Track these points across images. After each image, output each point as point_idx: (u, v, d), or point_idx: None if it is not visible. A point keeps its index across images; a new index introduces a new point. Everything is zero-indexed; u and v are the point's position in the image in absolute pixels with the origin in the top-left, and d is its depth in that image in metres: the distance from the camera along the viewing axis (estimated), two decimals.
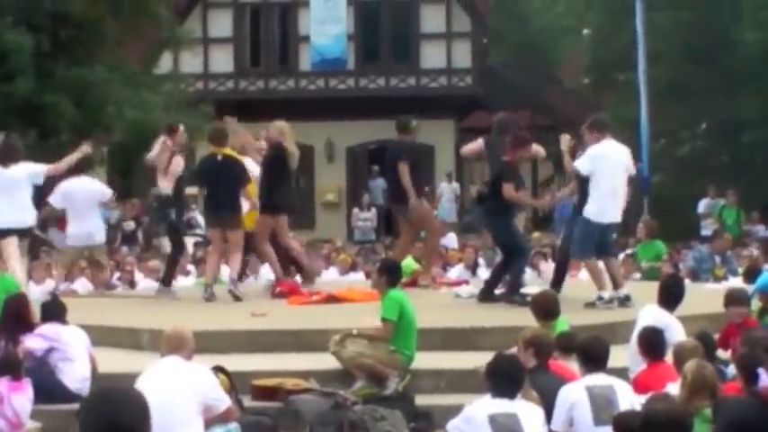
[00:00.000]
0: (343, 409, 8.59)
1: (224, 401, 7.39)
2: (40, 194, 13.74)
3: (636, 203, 15.44)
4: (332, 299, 12.31)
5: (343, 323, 9.98)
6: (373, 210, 28.33)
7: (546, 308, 9.12)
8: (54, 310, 9.51)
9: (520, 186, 12.39)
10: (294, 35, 31.45)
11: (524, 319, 9.35)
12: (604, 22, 38.83)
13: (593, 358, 7.39)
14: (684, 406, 6.53)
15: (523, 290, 11.85)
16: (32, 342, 9.19)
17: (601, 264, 11.80)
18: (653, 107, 28.47)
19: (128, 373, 8.07)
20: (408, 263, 14.41)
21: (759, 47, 31.52)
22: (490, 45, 36.51)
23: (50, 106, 21.49)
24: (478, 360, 7.78)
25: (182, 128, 13.78)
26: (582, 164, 11.61)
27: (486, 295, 12.14)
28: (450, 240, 21.89)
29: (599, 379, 7.25)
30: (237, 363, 9.21)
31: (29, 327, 9.34)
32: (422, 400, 9.02)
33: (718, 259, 16.33)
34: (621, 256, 16.18)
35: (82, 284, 15.07)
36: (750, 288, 10.86)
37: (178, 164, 13.37)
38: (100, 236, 14.24)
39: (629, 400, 7.13)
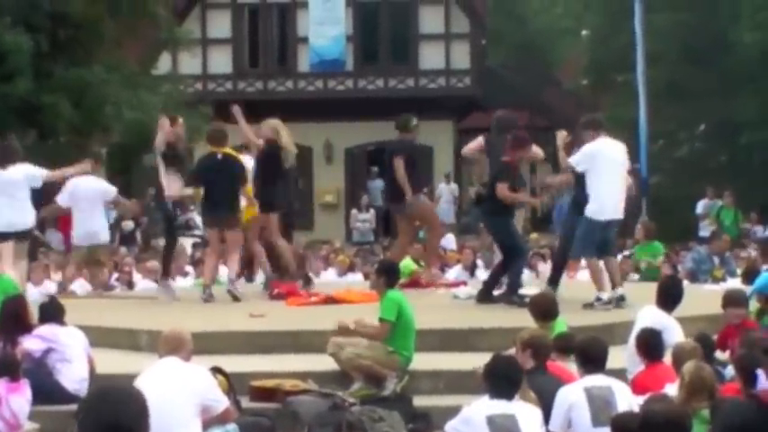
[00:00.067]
0: (342, 410, 8.58)
1: (222, 402, 7.39)
2: (39, 196, 13.73)
3: (634, 205, 15.40)
4: (330, 300, 12.31)
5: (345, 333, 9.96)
6: (372, 211, 28.34)
7: (544, 309, 9.13)
8: (52, 312, 9.50)
9: (520, 186, 12.39)
10: (293, 36, 31.46)
11: (523, 320, 9.35)
12: (603, 23, 38.86)
13: (592, 359, 7.39)
14: (683, 407, 6.53)
15: (522, 291, 11.86)
16: (30, 343, 9.19)
17: (601, 263, 11.81)
18: (651, 108, 28.49)
19: (126, 374, 8.05)
20: (407, 263, 14.42)
21: (757, 48, 31.56)
22: (489, 46, 36.54)
23: (49, 107, 21.47)
24: (477, 361, 7.77)
25: (181, 120, 13.79)
26: (576, 159, 11.64)
27: (485, 296, 12.14)
28: (449, 241, 21.89)
29: (597, 380, 7.25)
30: (236, 364, 9.21)
31: (27, 328, 9.33)
32: (420, 401, 9.01)
33: (716, 260, 16.34)
34: (619, 257, 16.17)
35: (80, 285, 15.06)
36: (748, 289, 10.88)
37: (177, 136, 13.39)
38: (104, 235, 14.33)
39: (628, 401, 7.13)
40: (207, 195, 13.07)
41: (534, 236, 21.51)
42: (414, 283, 13.68)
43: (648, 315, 9.10)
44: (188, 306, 12.54)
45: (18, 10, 21.56)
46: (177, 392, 7.02)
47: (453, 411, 7.10)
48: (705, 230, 22.85)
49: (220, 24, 31.45)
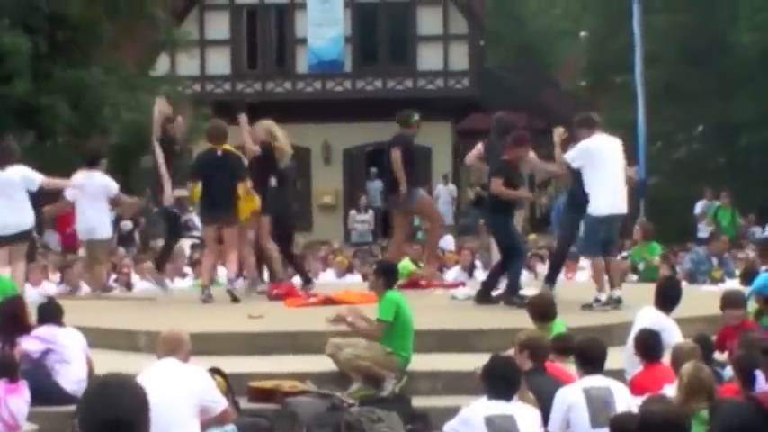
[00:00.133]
0: (340, 411, 8.58)
1: (221, 403, 7.38)
2: (38, 198, 13.70)
3: (632, 206, 15.40)
4: (329, 301, 12.29)
5: (341, 324, 9.96)
6: (370, 212, 28.35)
7: (542, 310, 9.13)
8: (50, 312, 9.49)
9: (519, 185, 12.39)
10: (291, 37, 31.47)
11: (521, 320, 9.35)
12: (601, 24, 38.90)
13: (590, 360, 7.39)
14: (681, 408, 6.53)
15: (521, 291, 11.86)
16: (29, 344, 9.18)
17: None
18: (649, 109, 28.49)
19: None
20: (405, 264, 14.40)
21: (755, 49, 31.60)
22: (487, 47, 36.55)
23: (47, 108, 21.49)
24: (475, 362, 7.77)
25: (180, 119, 13.77)
26: (572, 156, 11.65)
27: (483, 297, 12.14)
28: (447, 242, 21.88)
29: (596, 381, 7.25)
30: (234, 364, 9.21)
31: (25, 329, 9.32)
32: (419, 402, 9.01)
33: (715, 261, 16.35)
34: (618, 258, 16.17)
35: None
36: (747, 290, 10.87)
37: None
38: (102, 231, 14.02)
39: (626, 401, 7.13)
40: (205, 191, 12.99)
41: (533, 237, 21.52)
42: (412, 283, 13.68)
43: (647, 316, 9.10)
44: (186, 307, 12.53)
45: (17, 11, 21.58)
46: (176, 393, 7.01)
47: (452, 412, 7.10)
48: (703, 231, 22.87)
49: (218, 26, 31.45)
